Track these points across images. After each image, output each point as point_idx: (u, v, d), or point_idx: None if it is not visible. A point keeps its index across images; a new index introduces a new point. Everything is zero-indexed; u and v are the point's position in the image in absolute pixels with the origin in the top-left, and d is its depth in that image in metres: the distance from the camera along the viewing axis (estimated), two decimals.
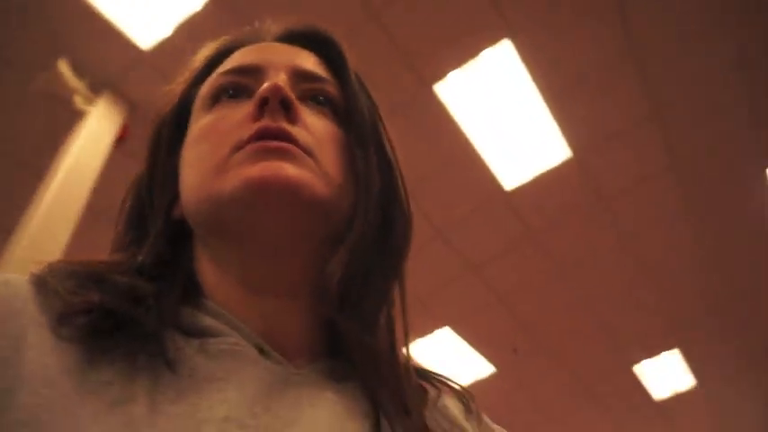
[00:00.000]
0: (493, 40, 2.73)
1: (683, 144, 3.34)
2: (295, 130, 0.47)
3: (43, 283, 0.43)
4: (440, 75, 2.84)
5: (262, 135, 0.46)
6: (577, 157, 3.34)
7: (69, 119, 2.48)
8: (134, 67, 2.66)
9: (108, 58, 2.56)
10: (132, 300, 0.43)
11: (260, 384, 0.43)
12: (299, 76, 0.52)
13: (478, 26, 2.70)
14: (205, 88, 0.53)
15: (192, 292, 0.48)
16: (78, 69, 2.40)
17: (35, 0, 2.24)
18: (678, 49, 2.84)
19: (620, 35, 2.80)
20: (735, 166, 3.44)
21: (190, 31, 2.59)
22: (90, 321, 0.41)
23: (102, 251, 0.52)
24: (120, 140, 2.70)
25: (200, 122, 0.51)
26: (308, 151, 0.47)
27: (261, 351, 0.45)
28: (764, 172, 3.53)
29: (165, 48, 2.64)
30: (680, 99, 3.10)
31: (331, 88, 0.53)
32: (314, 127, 0.49)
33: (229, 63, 0.53)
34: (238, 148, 0.46)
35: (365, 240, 0.48)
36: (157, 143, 0.53)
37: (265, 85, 0.47)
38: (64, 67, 2.29)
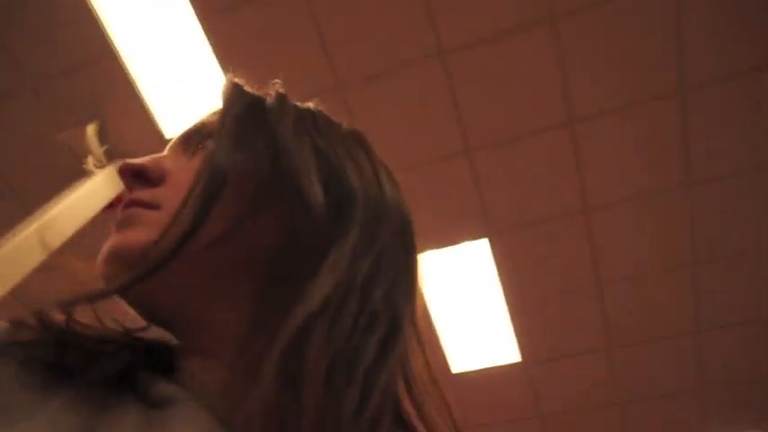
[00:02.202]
0: (474, 234, 2.94)
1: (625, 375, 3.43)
2: (145, 192, 0.50)
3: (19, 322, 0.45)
4: (420, 249, 3.00)
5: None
6: (525, 363, 3.43)
7: (75, 172, 2.63)
8: (153, 150, 2.83)
9: (132, 133, 2.76)
10: (86, 350, 0.45)
11: None
12: (186, 138, 0.55)
13: (463, 218, 2.93)
14: None
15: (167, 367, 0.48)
16: (102, 134, 2.60)
17: (93, 60, 2.49)
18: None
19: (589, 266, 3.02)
20: None
21: None
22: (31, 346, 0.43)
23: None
24: (110, 206, 2.83)
25: None
26: (152, 205, 0.49)
27: (224, 424, 0.42)
28: None
29: None
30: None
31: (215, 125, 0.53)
32: (181, 174, 0.51)
33: None
34: None
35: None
36: None
37: None
38: (92, 131, 2.48)
